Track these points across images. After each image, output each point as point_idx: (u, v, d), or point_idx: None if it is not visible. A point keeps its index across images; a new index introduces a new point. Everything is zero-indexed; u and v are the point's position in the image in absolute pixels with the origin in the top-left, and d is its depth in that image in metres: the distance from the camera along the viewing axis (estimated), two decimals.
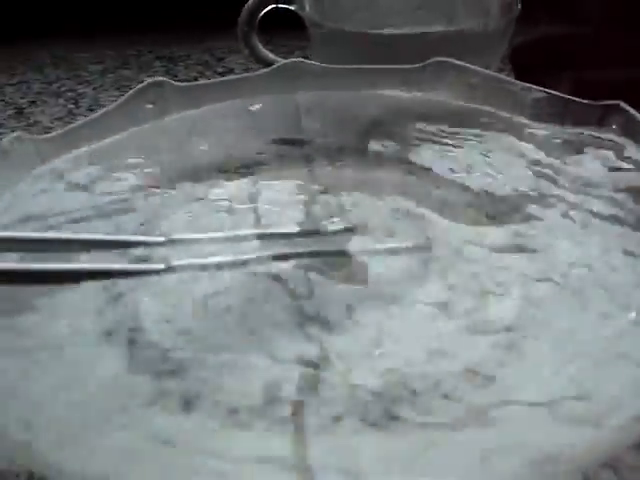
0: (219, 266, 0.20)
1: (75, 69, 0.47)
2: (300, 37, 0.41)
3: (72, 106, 0.40)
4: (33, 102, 0.41)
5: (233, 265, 0.20)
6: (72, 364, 0.18)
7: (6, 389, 0.16)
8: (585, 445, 0.15)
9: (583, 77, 0.42)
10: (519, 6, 0.32)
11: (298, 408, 0.17)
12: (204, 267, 0.20)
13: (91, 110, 0.40)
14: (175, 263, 0.20)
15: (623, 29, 0.42)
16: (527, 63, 0.42)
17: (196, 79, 0.43)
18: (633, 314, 0.18)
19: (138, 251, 0.21)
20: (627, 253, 0.20)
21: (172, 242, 0.21)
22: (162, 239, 0.21)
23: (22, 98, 0.42)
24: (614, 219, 0.21)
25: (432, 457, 0.15)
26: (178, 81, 0.40)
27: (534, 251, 0.21)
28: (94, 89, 0.43)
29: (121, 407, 0.16)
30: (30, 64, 0.48)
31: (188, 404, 0.17)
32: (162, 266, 0.20)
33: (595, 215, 0.22)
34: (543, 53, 0.44)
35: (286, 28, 0.37)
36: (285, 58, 0.37)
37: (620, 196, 0.22)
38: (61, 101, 0.41)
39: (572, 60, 0.43)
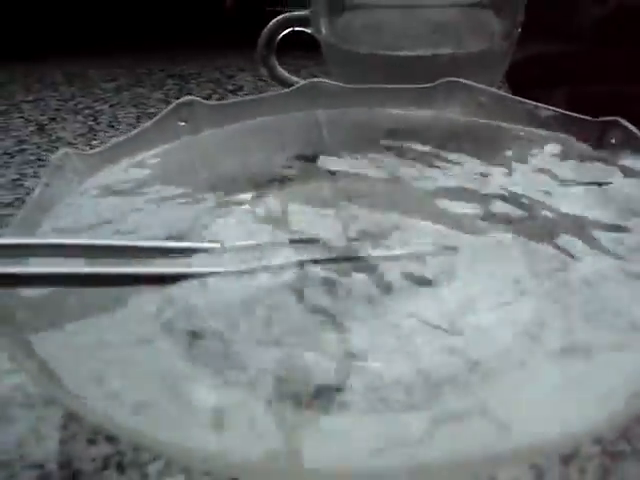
0: (270, 269, 0.22)
1: (89, 87, 0.48)
2: (305, 57, 0.44)
3: (92, 123, 0.42)
4: (53, 119, 0.43)
5: (280, 269, 0.22)
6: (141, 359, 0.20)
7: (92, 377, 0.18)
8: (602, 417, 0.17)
9: (574, 93, 0.44)
10: (519, 29, 0.34)
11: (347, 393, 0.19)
12: (261, 270, 0.22)
13: (111, 127, 0.41)
14: (232, 268, 0.22)
15: (613, 46, 0.45)
16: (521, 80, 0.45)
17: (210, 96, 0.45)
18: None
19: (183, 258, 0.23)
20: None
21: (221, 249, 0.23)
22: (218, 245, 0.23)
23: (41, 115, 0.44)
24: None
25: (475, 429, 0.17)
26: None
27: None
28: (111, 106, 0.45)
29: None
30: (44, 82, 0.50)
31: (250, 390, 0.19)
32: (222, 269, 0.22)
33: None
34: (536, 70, 0.46)
35: (293, 48, 0.39)
36: (292, 76, 0.39)
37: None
38: (80, 118, 0.43)
39: (563, 76, 0.45)
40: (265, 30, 0.36)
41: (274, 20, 0.36)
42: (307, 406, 0.18)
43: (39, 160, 0.38)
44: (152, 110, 0.44)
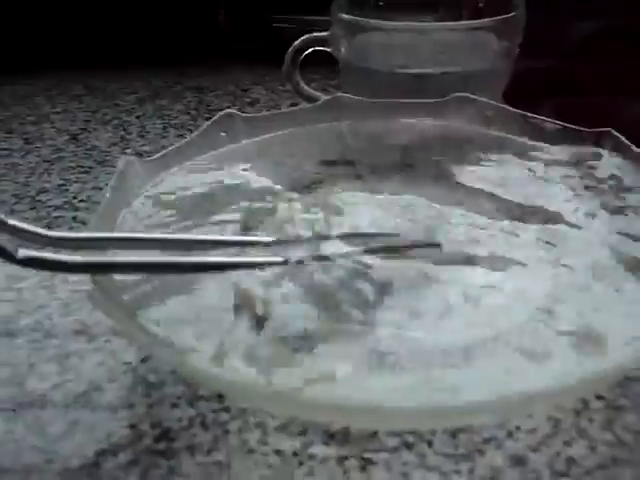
0: (328, 258, 0.26)
1: (112, 99, 0.52)
2: (314, 72, 0.48)
3: (123, 132, 0.46)
4: (84, 129, 0.47)
5: (337, 257, 0.26)
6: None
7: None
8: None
9: (562, 105, 0.49)
10: (518, 50, 0.39)
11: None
12: (315, 259, 0.26)
13: (141, 136, 0.45)
14: (292, 257, 0.26)
15: (599, 62, 0.50)
16: (514, 93, 0.49)
17: (229, 108, 0.48)
18: None
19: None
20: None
21: (275, 243, 0.27)
22: (270, 239, 0.27)
23: (72, 125, 0.47)
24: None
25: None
26: (211, 110, 0.46)
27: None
28: (137, 117, 0.48)
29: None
30: (68, 94, 0.53)
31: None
32: (281, 259, 0.25)
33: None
34: (527, 84, 0.51)
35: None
36: (314, 91, 0.43)
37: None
38: (109, 128, 0.46)
39: (553, 90, 0.50)
40: (290, 50, 0.40)
41: (298, 41, 0.40)
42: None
43: (79, 167, 0.41)
44: (176, 121, 0.47)
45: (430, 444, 0.22)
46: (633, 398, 0.23)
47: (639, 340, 0.21)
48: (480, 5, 0.42)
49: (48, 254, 0.23)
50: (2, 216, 0.23)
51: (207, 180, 0.31)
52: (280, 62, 0.42)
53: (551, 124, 0.33)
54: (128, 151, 0.43)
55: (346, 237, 0.28)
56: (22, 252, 0.22)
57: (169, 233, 0.28)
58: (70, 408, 0.24)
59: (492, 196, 0.31)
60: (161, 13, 0.57)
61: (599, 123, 0.33)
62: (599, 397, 0.23)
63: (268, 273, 0.26)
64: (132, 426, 0.23)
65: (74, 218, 0.35)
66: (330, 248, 0.27)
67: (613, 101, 0.46)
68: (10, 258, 0.22)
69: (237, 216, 0.30)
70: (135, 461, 0.22)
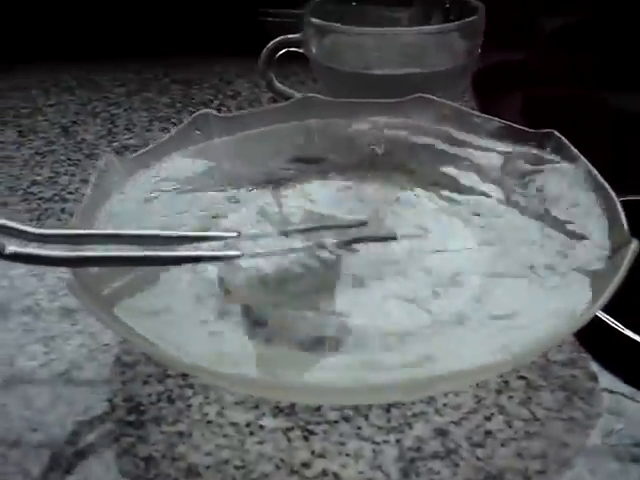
0: (278, 253, 0.29)
1: (102, 91, 0.54)
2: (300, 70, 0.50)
3: (110, 126, 0.48)
4: (74, 122, 0.49)
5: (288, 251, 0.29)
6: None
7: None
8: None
9: (529, 96, 0.51)
10: (479, 50, 0.41)
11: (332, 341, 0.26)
12: (268, 254, 0.29)
13: (128, 129, 0.48)
14: (246, 252, 0.29)
15: (564, 55, 0.52)
16: (484, 86, 0.52)
17: (211, 101, 0.51)
18: None
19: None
20: None
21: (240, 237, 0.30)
22: (235, 234, 0.30)
23: (63, 118, 0.50)
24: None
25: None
26: (195, 103, 0.48)
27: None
28: (125, 110, 0.51)
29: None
30: (61, 86, 0.56)
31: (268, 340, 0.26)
32: (239, 253, 0.28)
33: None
34: (496, 77, 0.53)
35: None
36: (287, 88, 0.46)
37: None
38: (98, 121, 0.49)
39: (520, 82, 0.52)
40: (264, 50, 0.42)
41: (272, 42, 0.42)
42: (310, 349, 0.25)
43: (69, 160, 0.44)
44: (162, 114, 0.50)
45: (366, 418, 0.25)
46: (550, 379, 0.26)
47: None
48: (447, 5, 0.45)
49: (32, 250, 0.25)
50: None
51: (180, 177, 0.34)
52: None
53: (501, 124, 0.36)
54: (115, 144, 0.45)
55: (305, 231, 0.31)
56: (9, 248, 0.25)
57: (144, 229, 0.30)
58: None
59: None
60: (151, 6, 0.59)
61: (562, 114, 0.35)
62: (520, 377, 0.26)
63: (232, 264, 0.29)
64: (108, 400, 0.26)
65: (62, 210, 0.38)
66: (287, 243, 0.30)
67: (580, 93, 0.48)
68: None
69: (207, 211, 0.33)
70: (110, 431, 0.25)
